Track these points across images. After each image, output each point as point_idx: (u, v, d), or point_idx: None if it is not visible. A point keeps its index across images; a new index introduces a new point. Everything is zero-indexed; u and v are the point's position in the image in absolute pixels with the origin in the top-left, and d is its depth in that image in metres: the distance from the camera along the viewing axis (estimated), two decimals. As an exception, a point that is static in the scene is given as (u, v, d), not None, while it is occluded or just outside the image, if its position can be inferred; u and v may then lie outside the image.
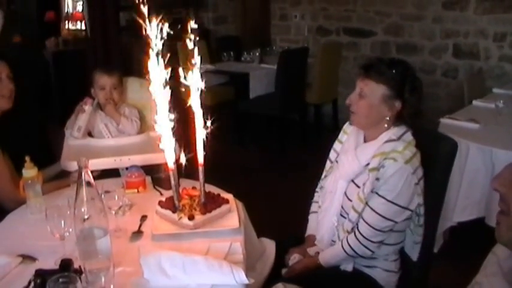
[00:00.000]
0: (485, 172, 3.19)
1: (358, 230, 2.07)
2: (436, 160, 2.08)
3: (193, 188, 2.17)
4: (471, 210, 3.29)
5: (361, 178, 2.11)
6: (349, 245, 2.08)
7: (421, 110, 2.13)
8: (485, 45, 5.72)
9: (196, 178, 2.06)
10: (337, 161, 2.29)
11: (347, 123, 2.31)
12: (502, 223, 1.02)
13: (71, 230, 1.75)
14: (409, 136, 2.07)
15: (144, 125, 3.11)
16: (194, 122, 1.93)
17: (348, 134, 2.29)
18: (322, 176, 2.39)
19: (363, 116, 2.11)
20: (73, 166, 2.49)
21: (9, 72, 2.62)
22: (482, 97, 4.42)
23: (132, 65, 5.46)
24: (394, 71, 2.03)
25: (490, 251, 1.25)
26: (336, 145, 2.35)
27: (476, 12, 5.68)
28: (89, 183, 1.61)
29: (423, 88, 2.12)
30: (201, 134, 1.94)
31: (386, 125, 2.08)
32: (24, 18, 7.35)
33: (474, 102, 4.30)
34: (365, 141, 2.18)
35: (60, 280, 1.36)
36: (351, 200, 2.13)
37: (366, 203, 2.04)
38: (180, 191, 2.09)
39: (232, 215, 2.08)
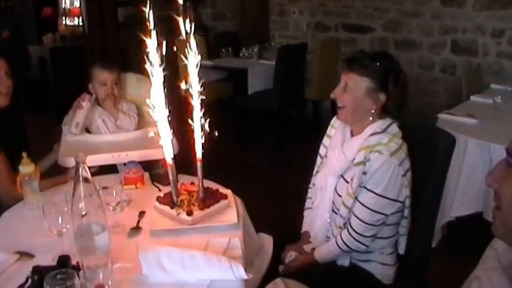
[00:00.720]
0: (483, 167, 3.19)
1: (350, 225, 2.07)
2: (434, 155, 2.08)
3: (192, 183, 2.16)
4: (469, 205, 3.30)
5: (349, 173, 2.10)
6: (343, 241, 2.08)
7: (406, 102, 2.10)
8: (483, 42, 5.72)
9: (195, 174, 2.06)
10: (326, 156, 2.29)
11: (334, 118, 2.31)
12: (496, 218, 1.03)
13: (68, 226, 1.75)
14: (394, 128, 2.06)
15: (142, 120, 3.11)
16: (191, 116, 1.93)
17: (336, 128, 2.28)
18: (314, 172, 2.39)
19: (349, 110, 2.10)
20: (71, 162, 2.48)
21: (7, 69, 2.62)
22: (480, 93, 4.43)
23: (130, 61, 5.45)
24: (377, 64, 2.03)
25: (488, 245, 1.25)
26: (325, 140, 2.35)
27: (474, 9, 5.68)
28: (86, 179, 1.60)
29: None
30: (199, 129, 1.94)
31: (371, 118, 2.07)
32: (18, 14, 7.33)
33: (472, 97, 4.31)
34: (352, 135, 2.18)
35: (58, 277, 1.36)
36: (340, 196, 2.13)
37: (356, 198, 2.04)
38: (179, 186, 2.09)
39: (230, 210, 2.08)
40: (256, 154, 5.91)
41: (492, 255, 1.17)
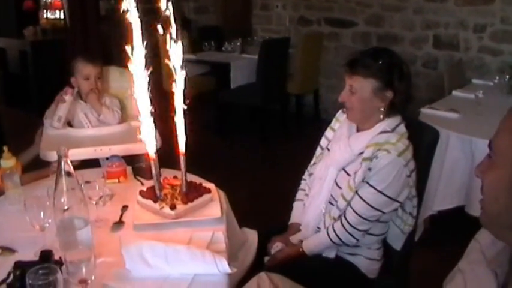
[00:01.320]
0: (465, 161, 3.22)
1: (345, 217, 2.08)
2: (418, 149, 2.08)
3: (175, 177, 2.16)
4: (451, 198, 3.33)
5: (352, 167, 2.11)
6: (335, 232, 2.09)
7: (412, 94, 2.12)
8: (465, 37, 5.75)
9: (178, 167, 2.05)
10: (328, 149, 2.29)
11: (340, 112, 2.31)
12: (481, 208, 1.06)
13: (50, 220, 1.73)
14: (402, 128, 2.07)
15: (124, 114, 3.09)
16: (174, 111, 1.92)
17: (341, 122, 2.28)
18: (311, 163, 2.39)
19: (357, 111, 2.10)
20: (52, 156, 2.46)
21: None
22: (462, 87, 4.47)
23: (112, 54, 5.42)
24: (380, 62, 2.02)
25: (470, 238, 1.26)
26: (328, 132, 2.35)
27: (456, 4, 5.70)
28: (68, 173, 1.59)
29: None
30: (182, 123, 1.93)
31: (381, 116, 2.08)
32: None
33: (454, 92, 4.35)
34: (358, 130, 2.18)
35: (40, 272, 1.34)
36: (340, 188, 2.13)
37: (356, 192, 2.05)
38: (162, 180, 2.08)
39: (214, 204, 2.07)
40: (238, 148, 5.90)
41: (476, 248, 1.18)
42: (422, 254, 2.73)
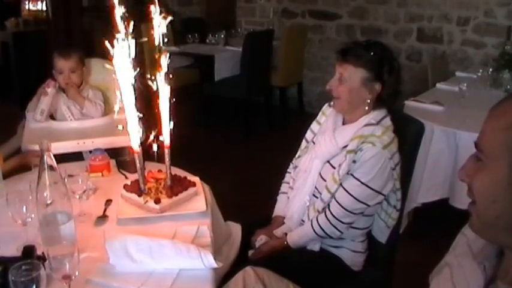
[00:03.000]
0: (449, 154, 3.24)
1: (329, 209, 2.08)
2: (403, 142, 2.09)
3: (159, 171, 2.14)
4: (435, 191, 3.35)
5: (337, 159, 2.12)
6: (319, 224, 2.09)
7: (400, 90, 2.14)
8: (448, 30, 5.77)
9: (162, 161, 2.04)
10: (313, 142, 2.30)
11: (326, 105, 2.32)
12: (473, 212, 1.04)
13: (33, 215, 1.71)
14: (387, 121, 2.09)
15: (107, 107, 3.06)
16: (158, 103, 1.90)
17: (327, 116, 2.29)
18: (296, 156, 2.40)
19: (345, 101, 2.11)
20: (34, 149, 2.44)
21: None
22: (445, 80, 4.49)
23: (94, 46, 5.37)
24: (371, 53, 2.04)
25: (454, 230, 1.26)
26: (314, 126, 2.36)
27: (440, -4, 5.73)
28: (51, 167, 1.57)
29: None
30: (166, 115, 1.91)
31: (367, 108, 2.09)
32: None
33: (438, 85, 4.37)
34: (344, 123, 2.19)
35: (23, 267, 1.33)
36: (325, 180, 2.14)
37: (340, 184, 2.05)
38: (146, 174, 2.07)
39: (199, 198, 2.06)
40: (222, 141, 5.90)
41: (463, 241, 1.18)
42: (407, 246, 2.74)
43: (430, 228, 3.53)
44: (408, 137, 2.14)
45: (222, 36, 6.59)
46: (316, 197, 2.16)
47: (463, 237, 1.19)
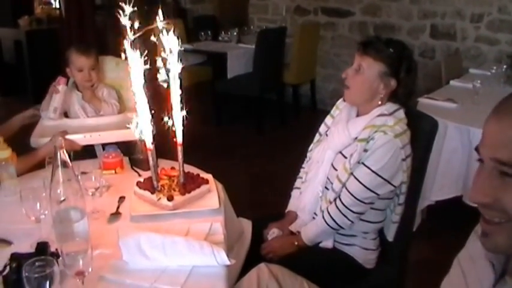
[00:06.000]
0: (463, 151, 3.22)
1: (339, 198, 2.09)
2: (416, 138, 2.08)
3: (172, 168, 2.14)
4: (449, 188, 3.33)
5: (349, 149, 2.12)
6: (330, 214, 2.09)
7: (415, 90, 2.17)
8: (462, 26, 5.73)
9: (175, 158, 2.04)
10: (326, 134, 2.30)
11: (340, 100, 2.33)
12: (497, 232, 0.95)
13: (46, 212, 1.72)
14: (401, 114, 2.09)
15: (121, 104, 3.06)
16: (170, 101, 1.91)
17: (341, 110, 2.30)
18: (309, 149, 2.40)
19: (357, 92, 2.13)
20: (41, 142, 2.46)
21: None
22: (459, 77, 4.46)
23: (108, 44, 5.39)
24: (391, 50, 2.07)
25: (468, 228, 1.25)
26: (328, 119, 2.37)
27: (453, -7, 5.70)
28: (65, 164, 1.57)
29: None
30: (179, 113, 1.92)
31: (380, 102, 2.10)
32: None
33: (451, 82, 4.34)
34: (357, 116, 2.20)
35: (37, 264, 1.33)
36: (336, 170, 2.14)
37: (351, 173, 2.05)
38: (159, 171, 2.07)
39: (212, 195, 2.06)
40: (235, 138, 5.89)
41: (475, 240, 1.17)
42: (420, 244, 2.73)
43: (444, 226, 3.52)
44: (422, 134, 2.13)
45: (235, 33, 6.61)
46: (328, 189, 2.17)
47: (475, 236, 1.18)
